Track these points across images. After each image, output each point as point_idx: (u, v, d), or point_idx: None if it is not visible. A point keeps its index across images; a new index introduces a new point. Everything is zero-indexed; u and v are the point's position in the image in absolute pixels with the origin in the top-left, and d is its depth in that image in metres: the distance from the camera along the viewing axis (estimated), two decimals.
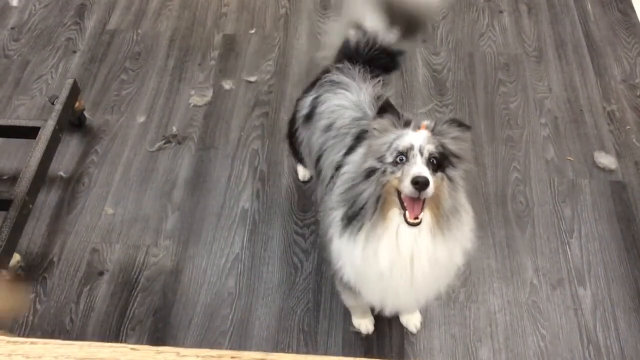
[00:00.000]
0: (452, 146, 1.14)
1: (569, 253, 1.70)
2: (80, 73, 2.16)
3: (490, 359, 1.51)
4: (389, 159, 1.12)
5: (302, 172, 1.84)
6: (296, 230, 1.75)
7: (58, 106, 1.82)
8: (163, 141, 1.96)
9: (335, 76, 1.44)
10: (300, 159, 1.70)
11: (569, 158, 1.90)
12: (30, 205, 1.65)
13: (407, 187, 1.06)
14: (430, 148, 1.10)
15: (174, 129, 1.99)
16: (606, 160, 1.89)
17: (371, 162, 1.14)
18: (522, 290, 1.63)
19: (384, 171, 1.12)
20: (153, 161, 1.91)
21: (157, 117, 2.02)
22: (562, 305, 1.60)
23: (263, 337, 1.55)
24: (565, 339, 1.55)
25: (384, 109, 1.17)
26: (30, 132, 1.79)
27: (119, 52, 2.23)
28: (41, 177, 1.72)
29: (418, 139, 1.11)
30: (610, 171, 1.87)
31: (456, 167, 1.15)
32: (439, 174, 1.12)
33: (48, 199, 1.82)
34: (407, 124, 1.18)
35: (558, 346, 1.54)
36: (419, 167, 1.07)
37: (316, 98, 1.45)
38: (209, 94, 2.09)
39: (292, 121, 1.60)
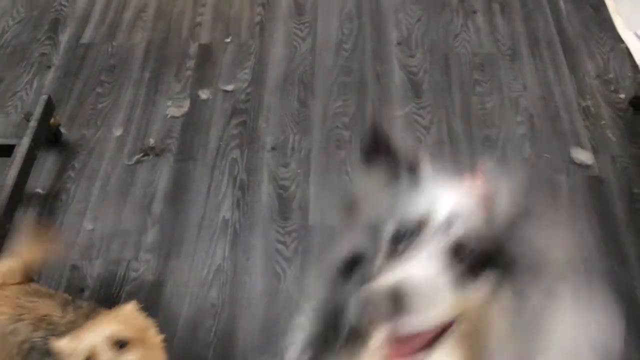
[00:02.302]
0: (521, 243, 0.60)
1: None
2: (55, 88, 2.14)
3: None
4: (388, 233, 0.62)
5: None
6: (278, 239, 1.75)
7: (33, 123, 1.80)
8: (141, 154, 1.95)
9: None
10: None
11: (545, 155, 1.92)
12: (8, 225, 1.63)
13: (369, 304, 0.57)
14: (468, 228, 0.58)
15: (152, 141, 1.98)
16: (582, 155, 1.91)
17: (358, 241, 0.63)
18: None
19: (374, 257, 0.62)
20: (131, 174, 1.90)
21: (134, 130, 2.01)
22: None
23: (247, 347, 1.55)
24: None
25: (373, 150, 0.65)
26: (5, 150, 1.77)
27: (93, 65, 2.21)
28: (18, 195, 1.70)
29: (453, 200, 0.61)
30: (587, 167, 1.89)
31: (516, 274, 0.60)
32: (481, 281, 0.59)
33: (25, 217, 1.81)
34: (412, 169, 0.64)
35: None
36: (415, 263, 0.56)
37: None
38: (186, 104, 2.08)
39: None
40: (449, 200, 0.60)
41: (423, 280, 0.55)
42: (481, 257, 0.58)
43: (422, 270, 0.55)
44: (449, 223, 0.59)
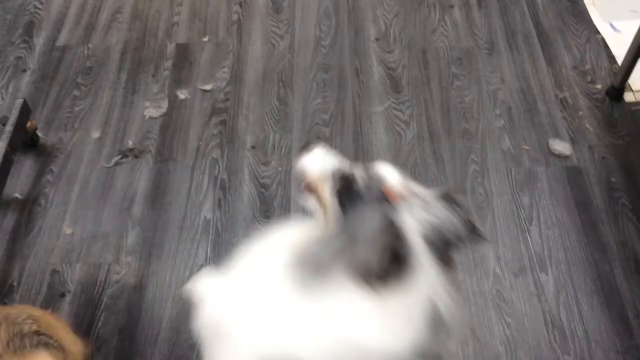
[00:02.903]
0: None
1: (529, 240, 1.72)
2: (31, 92, 2.11)
3: (457, 351, 1.52)
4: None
5: None
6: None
7: (9, 127, 1.77)
8: (119, 156, 1.93)
9: None
10: None
11: (524, 147, 1.93)
12: None
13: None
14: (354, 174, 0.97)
15: (130, 142, 1.96)
16: (561, 146, 1.93)
17: None
18: (485, 281, 1.65)
19: None
20: (110, 177, 1.88)
21: (112, 132, 1.99)
22: (525, 293, 1.63)
23: None
24: (531, 326, 1.57)
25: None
26: None
27: (70, 68, 2.19)
28: None
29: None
30: (566, 157, 1.91)
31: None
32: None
33: (4, 222, 1.78)
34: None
35: (524, 333, 1.56)
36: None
37: None
38: (164, 105, 2.06)
39: None
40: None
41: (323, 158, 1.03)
42: (342, 187, 0.94)
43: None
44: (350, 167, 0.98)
